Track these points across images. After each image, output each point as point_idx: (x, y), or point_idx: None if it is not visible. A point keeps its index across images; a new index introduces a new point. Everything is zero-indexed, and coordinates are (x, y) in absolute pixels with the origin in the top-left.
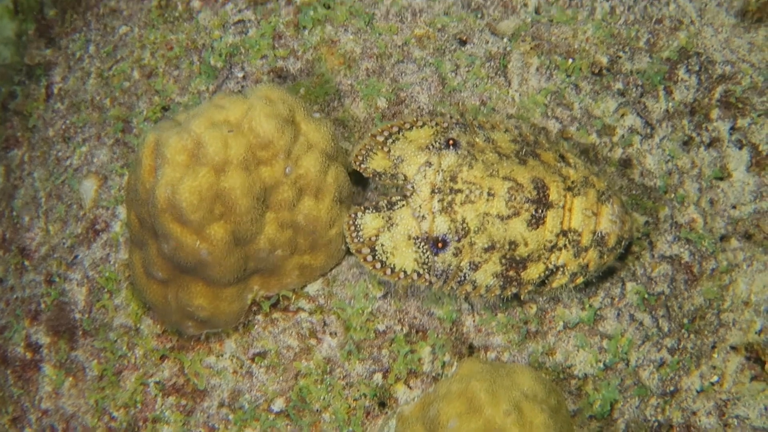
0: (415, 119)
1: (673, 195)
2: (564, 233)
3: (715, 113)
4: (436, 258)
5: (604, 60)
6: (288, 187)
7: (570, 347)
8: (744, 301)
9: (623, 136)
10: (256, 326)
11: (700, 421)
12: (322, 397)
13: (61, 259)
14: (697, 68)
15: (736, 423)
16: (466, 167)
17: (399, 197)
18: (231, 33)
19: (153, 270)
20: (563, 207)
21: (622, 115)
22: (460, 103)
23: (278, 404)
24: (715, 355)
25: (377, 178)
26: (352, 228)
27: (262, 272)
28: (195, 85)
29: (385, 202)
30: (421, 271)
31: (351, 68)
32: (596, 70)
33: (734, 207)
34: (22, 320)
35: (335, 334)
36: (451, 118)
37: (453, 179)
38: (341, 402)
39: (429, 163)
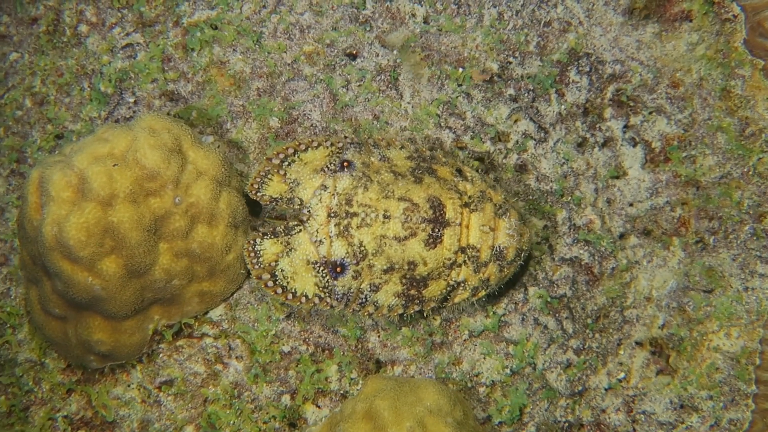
0: (310, 140)
1: (569, 197)
2: (463, 250)
3: (608, 113)
4: (335, 282)
5: (495, 66)
6: (179, 216)
7: (476, 355)
8: (646, 296)
9: (517, 141)
10: (161, 355)
11: (609, 418)
12: (231, 422)
13: None
14: (587, 69)
15: (643, 419)
16: (361, 189)
17: (296, 222)
18: (120, 57)
19: (49, 307)
20: (460, 224)
21: (516, 121)
22: (353, 119)
23: (188, 431)
24: (621, 352)
25: (275, 204)
26: (252, 254)
27: (161, 302)
28: (87, 112)
29: (283, 227)
30: (322, 295)
31: (241, 89)
32: (487, 78)
33: (631, 205)
34: None
35: (241, 357)
36: (345, 137)
37: (348, 202)
38: (251, 425)
39: (324, 187)
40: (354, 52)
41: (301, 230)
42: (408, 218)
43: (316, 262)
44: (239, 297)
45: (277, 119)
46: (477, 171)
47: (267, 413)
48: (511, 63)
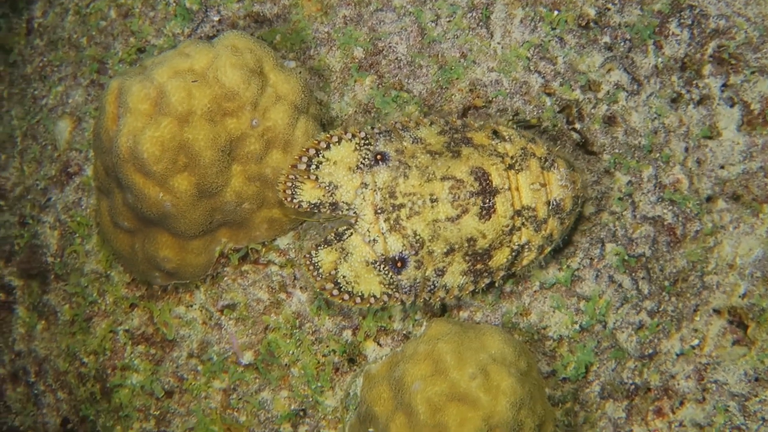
0: (328, 136)
1: (658, 154)
2: (518, 213)
3: (706, 69)
4: (400, 276)
5: (592, 12)
6: (255, 139)
7: (545, 308)
8: (729, 263)
9: (608, 92)
10: (225, 278)
11: (678, 384)
12: (291, 352)
13: (35, 201)
14: (689, 22)
15: (714, 388)
16: (401, 179)
17: (345, 226)
18: None
19: (119, 219)
20: (510, 188)
21: (609, 71)
22: (440, 55)
23: (247, 357)
24: (697, 318)
25: (317, 210)
26: (312, 268)
27: (229, 225)
28: (170, 28)
29: (333, 234)
30: (390, 292)
31: (328, 15)
32: (583, 23)
33: (722, 167)
34: None
35: (305, 288)
36: (372, 128)
37: (392, 195)
38: (310, 357)
39: (365, 185)
40: None
41: (352, 233)
42: (456, 196)
43: (376, 262)
44: (308, 227)
45: (361, 49)
46: (514, 128)
47: (327, 346)
48: (609, 9)
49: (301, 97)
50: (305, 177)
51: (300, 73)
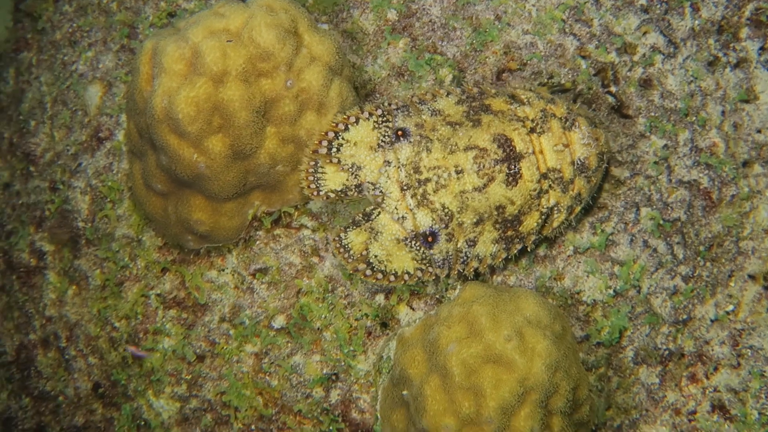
0: (346, 116)
1: (694, 118)
2: (544, 176)
3: (744, 32)
4: (432, 251)
5: None
6: (289, 101)
7: (579, 272)
8: (765, 229)
9: (644, 55)
10: (257, 242)
11: (713, 350)
12: (323, 316)
13: (65, 166)
14: None
15: (750, 354)
16: (424, 153)
17: (372, 206)
18: None
19: (152, 182)
20: (534, 152)
21: (645, 33)
22: (474, 17)
23: (279, 321)
24: (732, 284)
25: (344, 196)
26: (342, 250)
27: (263, 188)
28: None
29: (361, 214)
30: (423, 267)
31: None
32: None
33: (759, 131)
34: (27, 226)
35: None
36: (389, 104)
37: (417, 170)
38: (342, 321)
39: (388, 162)
40: None
41: (380, 212)
42: (481, 166)
43: (406, 238)
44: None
45: (395, 12)
46: (531, 90)
47: (359, 310)
48: None
49: (336, 59)
50: (327, 161)
51: (333, 35)
